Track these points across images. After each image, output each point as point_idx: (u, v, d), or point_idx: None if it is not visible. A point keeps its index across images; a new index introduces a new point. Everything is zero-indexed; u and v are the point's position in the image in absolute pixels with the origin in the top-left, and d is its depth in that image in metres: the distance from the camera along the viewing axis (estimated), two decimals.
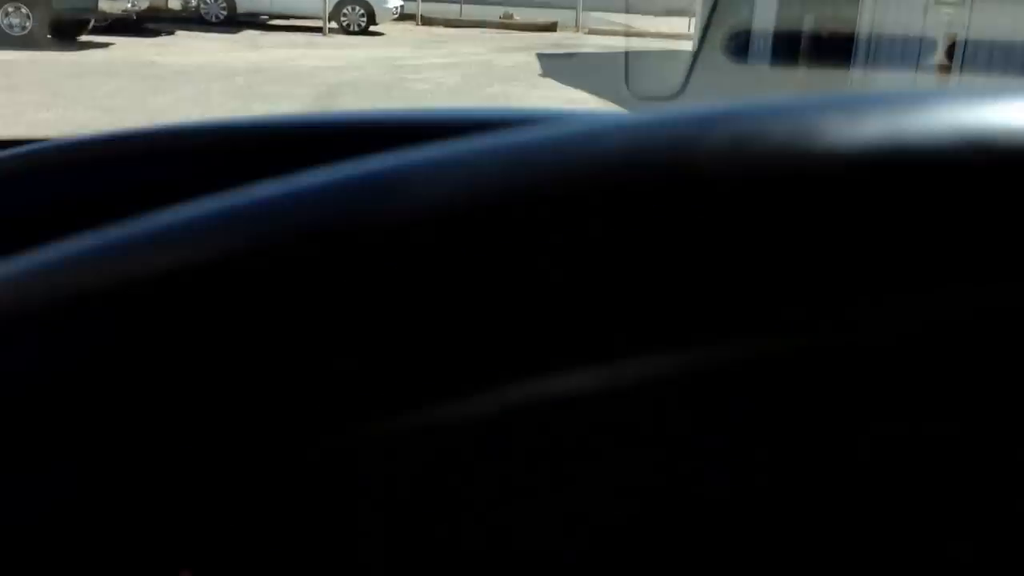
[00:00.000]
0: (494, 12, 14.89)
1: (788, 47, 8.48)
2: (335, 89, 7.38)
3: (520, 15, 14.79)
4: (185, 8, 11.18)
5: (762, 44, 10.29)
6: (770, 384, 0.32)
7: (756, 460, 0.34)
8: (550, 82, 8.40)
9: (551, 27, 14.20)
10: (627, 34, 14.25)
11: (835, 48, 8.29)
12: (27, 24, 8.70)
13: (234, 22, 11.95)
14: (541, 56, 10.15)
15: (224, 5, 12.16)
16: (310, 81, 7.66)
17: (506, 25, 14.11)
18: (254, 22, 12.28)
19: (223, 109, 6.13)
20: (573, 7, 14.83)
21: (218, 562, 0.31)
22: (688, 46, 12.75)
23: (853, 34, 8.12)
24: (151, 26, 10.41)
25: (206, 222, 0.26)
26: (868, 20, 8.04)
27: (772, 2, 9.98)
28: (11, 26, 8.66)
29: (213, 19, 11.99)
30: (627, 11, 17.61)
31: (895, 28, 7.47)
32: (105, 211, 0.37)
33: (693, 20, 13.07)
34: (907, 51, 7.39)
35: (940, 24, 6.70)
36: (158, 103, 6.31)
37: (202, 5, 11.98)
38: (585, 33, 13.96)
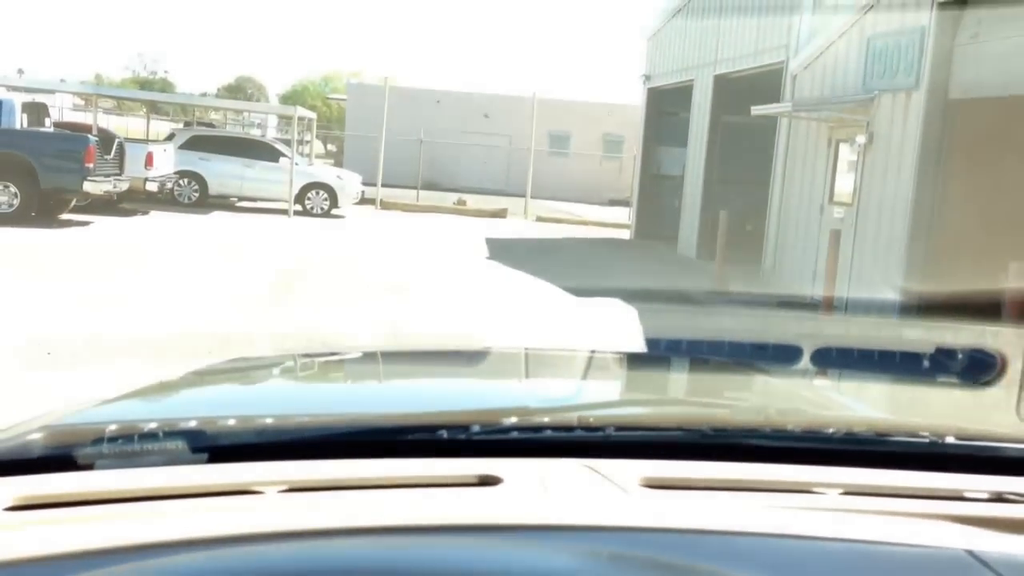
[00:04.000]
0: (448, 198, 15.92)
1: (710, 240, 9.42)
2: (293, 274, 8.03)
3: (472, 201, 15.80)
4: (161, 190, 11.87)
5: (687, 234, 11.32)
6: None
7: None
8: (496, 264, 9.20)
9: (501, 213, 15.24)
10: (571, 221, 15.31)
11: (751, 240, 9.29)
12: (14, 202, 9.38)
13: (205, 203, 12.83)
14: (489, 241, 11.02)
15: (196, 188, 13.00)
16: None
17: (459, 211, 15.04)
18: (223, 204, 13.16)
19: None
20: (522, 195, 16.00)
21: None
22: (626, 234, 13.82)
23: (765, 226, 9.13)
24: (127, 206, 11.15)
25: None
26: (776, 215, 9.06)
27: (696, 199, 11.11)
28: None
29: (186, 200, 12.83)
30: (573, 200, 18.80)
31: (798, 223, 8.46)
32: None
33: (631, 210, 14.18)
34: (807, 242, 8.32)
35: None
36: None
37: (176, 188, 12.76)
38: (533, 220, 15.03)
